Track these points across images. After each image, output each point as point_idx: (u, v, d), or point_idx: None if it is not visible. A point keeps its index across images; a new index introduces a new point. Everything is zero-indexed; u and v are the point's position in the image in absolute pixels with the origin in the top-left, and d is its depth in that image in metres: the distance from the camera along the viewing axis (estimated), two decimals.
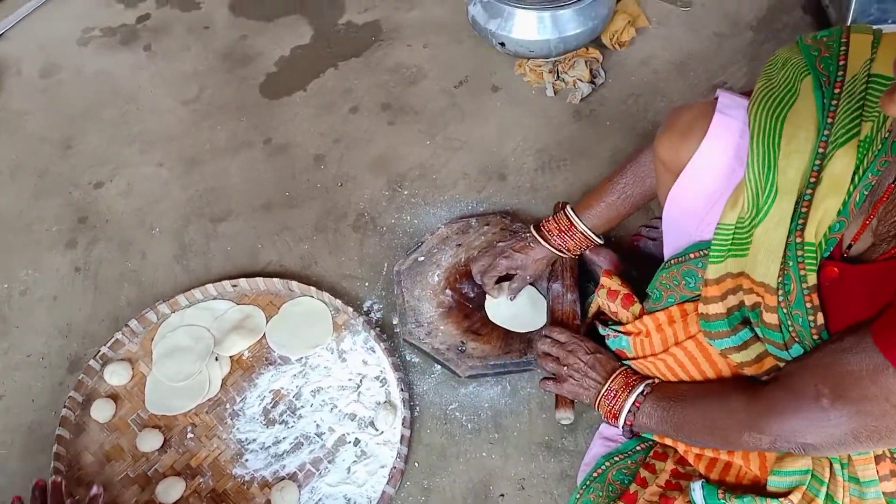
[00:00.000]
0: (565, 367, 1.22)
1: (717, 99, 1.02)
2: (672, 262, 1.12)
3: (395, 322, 1.47)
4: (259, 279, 1.51)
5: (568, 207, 1.32)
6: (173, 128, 1.86)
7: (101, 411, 1.38)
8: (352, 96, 1.88)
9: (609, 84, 1.84)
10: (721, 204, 0.98)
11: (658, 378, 1.14)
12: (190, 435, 1.36)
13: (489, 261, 1.39)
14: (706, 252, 1.02)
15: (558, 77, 1.82)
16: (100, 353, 1.43)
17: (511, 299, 1.41)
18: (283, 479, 1.30)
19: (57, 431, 1.34)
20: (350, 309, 1.46)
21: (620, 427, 1.13)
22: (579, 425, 1.30)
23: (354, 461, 1.31)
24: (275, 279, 1.51)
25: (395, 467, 1.28)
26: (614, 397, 1.14)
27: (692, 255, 1.09)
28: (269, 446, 1.35)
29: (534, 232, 1.36)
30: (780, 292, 0.92)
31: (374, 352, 1.43)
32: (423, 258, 1.50)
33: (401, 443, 1.30)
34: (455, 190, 1.67)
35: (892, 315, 0.79)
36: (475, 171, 1.70)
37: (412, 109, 1.84)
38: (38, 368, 1.48)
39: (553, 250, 1.34)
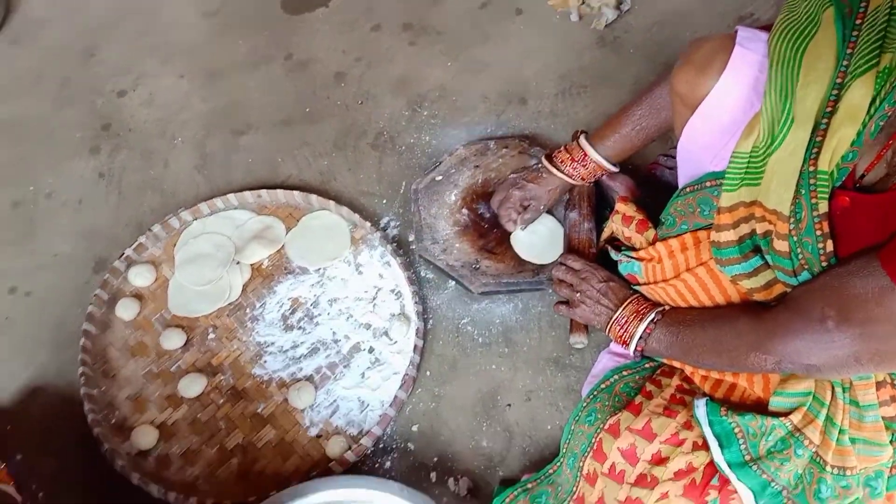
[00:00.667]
0: (578, 294, 1.25)
1: (736, 32, 1.02)
2: (687, 189, 1.14)
3: (411, 239, 1.51)
4: (279, 191, 1.54)
5: (582, 137, 1.34)
6: (194, 40, 1.86)
7: (127, 310, 1.43)
8: (374, 14, 1.87)
9: (635, 11, 1.82)
10: (738, 137, 1.00)
11: (668, 304, 1.18)
12: (211, 336, 1.42)
13: (503, 193, 1.41)
14: (722, 181, 1.04)
15: (584, 2, 1.81)
16: (124, 255, 1.47)
17: (522, 229, 1.44)
18: (300, 380, 1.36)
19: (83, 327, 1.39)
20: (368, 224, 1.50)
21: (632, 352, 1.17)
22: (587, 344, 1.35)
23: (368, 367, 1.37)
24: (294, 192, 1.54)
25: (407, 374, 1.33)
26: (625, 324, 1.18)
27: (708, 184, 1.11)
28: (287, 350, 1.40)
29: (545, 162, 1.38)
30: (792, 220, 0.94)
31: (389, 266, 1.47)
32: (440, 178, 1.52)
33: (414, 352, 1.35)
34: (475, 112, 1.68)
35: None
36: (495, 95, 1.70)
37: (434, 30, 1.83)
38: (65, 268, 1.53)
39: (566, 178, 1.36)
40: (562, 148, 1.37)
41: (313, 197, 1.53)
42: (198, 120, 1.72)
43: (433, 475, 1.27)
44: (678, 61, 1.11)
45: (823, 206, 0.91)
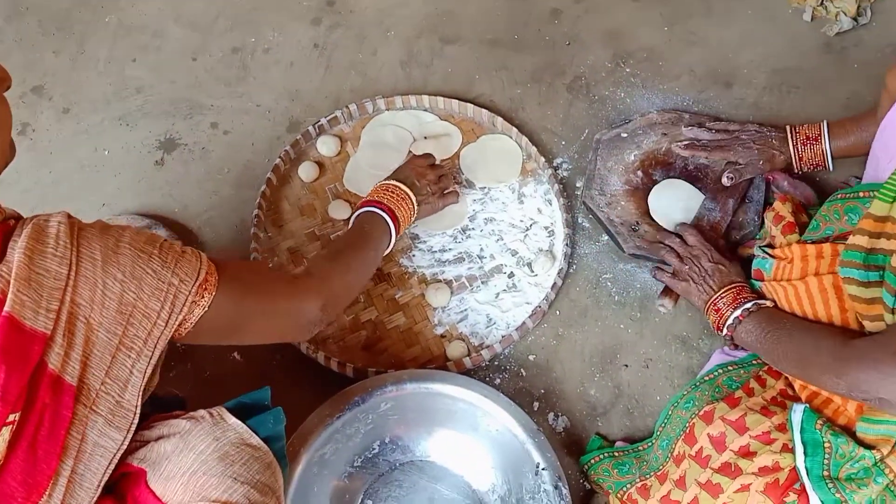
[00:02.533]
0: (687, 267, 1.28)
1: None
2: (840, 196, 1.13)
3: (578, 185, 1.54)
4: (470, 105, 1.61)
5: (824, 122, 1.34)
6: None
7: (307, 172, 1.56)
8: None
9: (872, 27, 1.73)
10: None
11: (774, 301, 1.18)
12: None
13: (723, 140, 1.44)
14: (876, 193, 1.02)
15: (822, 3, 1.73)
16: (318, 123, 1.59)
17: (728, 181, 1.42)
18: (440, 281, 1.45)
19: (267, 175, 1.53)
20: (542, 159, 1.54)
21: (722, 335, 1.20)
22: (671, 311, 1.37)
23: (505, 290, 1.44)
24: (483, 110, 1.60)
25: (539, 307, 1.39)
26: (724, 307, 1.20)
27: (861, 194, 1.09)
28: (436, 251, 1.49)
29: (789, 130, 1.38)
30: None
31: (550, 204, 1.52)
32: (626, 135, 1.54)
33: (551, 288, 1.41)
34: (677, 82, 1.67)
35: None
36: (702, 71, 1.68)
37: None
38: (263, 119, 1.67)
39: (790, 152, 1.37)
40: (804, 125, 1.37)
41: (499, 119, 1.59)
42: (414, 19, 1.80)
43: (536, 405, 1.33)
44: None
45: None
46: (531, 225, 1.50)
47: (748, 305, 1.17)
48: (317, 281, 1.09)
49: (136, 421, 0.85)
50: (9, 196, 0.86)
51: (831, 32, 1.71)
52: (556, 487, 1.16)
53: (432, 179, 1.40)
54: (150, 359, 0.84)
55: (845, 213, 1.11)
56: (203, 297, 0.88)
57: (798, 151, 1.36)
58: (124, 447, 0.85)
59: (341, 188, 1.56)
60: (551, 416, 1.32)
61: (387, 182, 1.35)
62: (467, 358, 1.35)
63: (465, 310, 1.43)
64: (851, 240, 1.03)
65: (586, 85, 1.68)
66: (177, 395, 1.16)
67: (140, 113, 1.68)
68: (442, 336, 1.41)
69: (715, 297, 1.22)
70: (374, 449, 1.27)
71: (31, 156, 1.64)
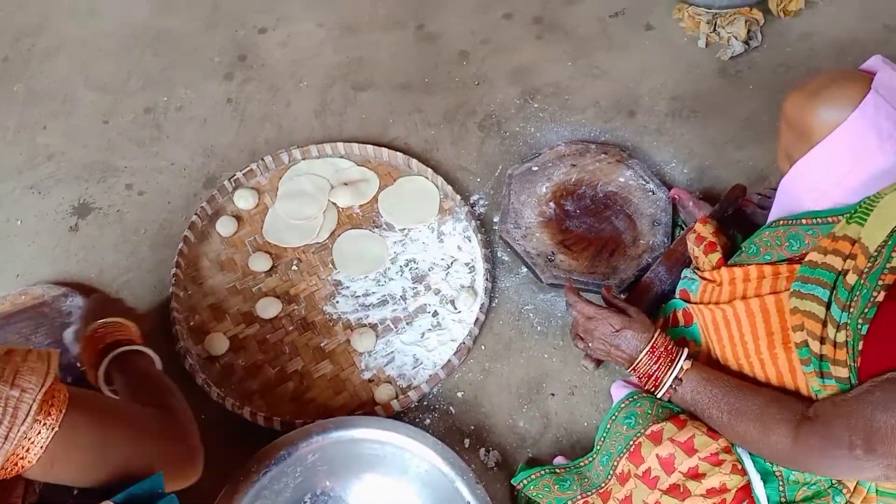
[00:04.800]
0: (591, 342, 1.24)
1: (871, 75, 1.01)
2: (781, 222, 1.13)
3: (495, 220, 1.57)
4: (385, 149, 1.63)
5: (689, 360, 1.16)
6: None
7: (225, 227, 1.55)
8: (509, 3, 1.94)
9: (763, 49, 1.82)
10: (846, 184, 1.00)
11: (703, 331, 1.19)
12: (294, 268, 1.52)
13: (605, 333, 1.23)
14: (820, 221, 1.05)
15: (714, 29, 1.82)
16: (234, 177, 1.59)
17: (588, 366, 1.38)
18: (364, 326, 1.45)
19: (184, 233, 1.52)
20: (458, 197, 1.57)
21: (659, 397, 1.17)
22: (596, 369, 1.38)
23: (430, 329, 1.45)
24: (398, 153, 1.63)
25: (464, 343, 1.40)
26: (653, 370, 1.16)
27: (805, 221, 1.09)
28: (360, 296, 1.49)
29: (658, 337, 1.19)
30: (869, 261, 0.93)
31: (469, 241, 1.54)
32: (536, 168, 1.58)
33: (474, 324, 1.42)
34: (583, 115, 1.72)
35: None
36: (607, 102, 1.75)
37: (563, 29, 1.88)
38: (179, 177, 1.67)
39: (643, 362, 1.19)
40: (668, 346, 1.18)
41: (414, 161, 1.62)
42: (325, 68, 1.83)
43: (467, 441, 1.34)
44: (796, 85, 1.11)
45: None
46: (452, 262, 1.52)
47: (676, 372, 1.13)
48: (181, 427, 1.00)
49: None
50: None
51: (725, 57, 1.79)
52: None
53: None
54: None
55: (787, 240, 1.11)
56: (50, 415, 0.78)
57: (654, 371, 1.21)
58: None
59: (261, 240, 1.56)
60: (482, 451, 1.33)
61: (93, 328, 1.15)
62: (395, 401, 1.35)
63: (392, 352, 1.43)
64: (811, 255, 1.02)
65: (497, 122, 1.73)
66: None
67: (52, 180, 1.66)
68: (370, 380, 1.41)
69: (636, 363, 1.17)
70: (305, 502, 1.26)
71: None
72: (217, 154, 1.70)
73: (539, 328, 1.45)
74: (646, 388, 1.18)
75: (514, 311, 1.47)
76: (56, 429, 0.77)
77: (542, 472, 1.25)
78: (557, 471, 1.26)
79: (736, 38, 1.79)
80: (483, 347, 1.44)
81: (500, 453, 1.33)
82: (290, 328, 1.46)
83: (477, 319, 1.43)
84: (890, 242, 0.91)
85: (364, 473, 1.26)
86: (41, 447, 0.77)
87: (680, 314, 1.28)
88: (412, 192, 1.61)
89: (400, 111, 1.75)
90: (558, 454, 1.32)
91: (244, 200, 1.59)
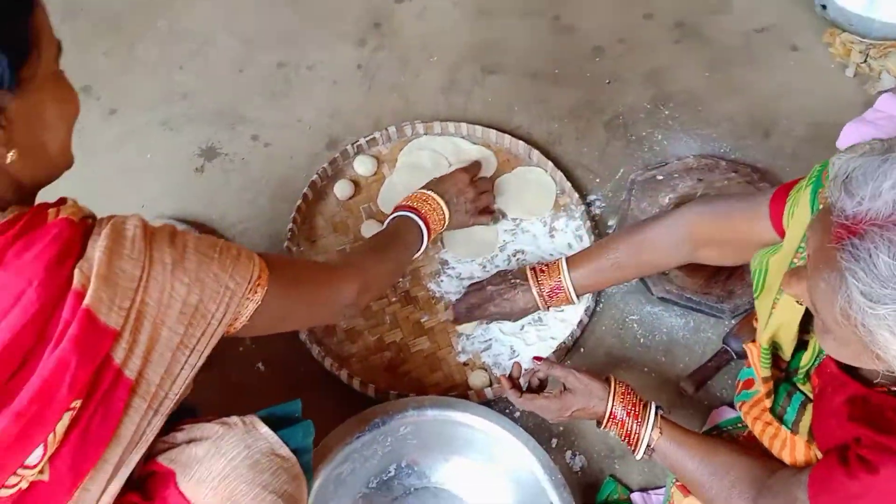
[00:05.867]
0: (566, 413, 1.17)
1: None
2: None
3: (610, 223, 1.55)
4: (507, 136, 1.62)
5: (563, 258, 1.32)
6: None
7: (342, 190, 1.58)
8: (651, 3, 1.89)
9: None
10: None
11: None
12: None
13: (477, 301, 1.39)
14: None
15: (865, 60, 1.74)
16: (357, 143, 1.61)
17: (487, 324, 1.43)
18: None
19: (304, 190, 1.55)
20: (576, 195, 1.55)
21: (640, 457, 1.13)
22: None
23: (530, 323, 1.44)
24: (520, 142, 1.62)
25: (564, 343, 1.39)
26: (628, 424, 1.12)
27: None
28: (464, 278, 1.49)
29: (530, 275, 1.34)
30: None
31: (581, 240, 1.52)
32: (661, 177, 1.55)
33: (577, 326, 1.41)
34: (715, 129, 1.67)
35: (826, 466, 0.85)
36: (742, 118, 1.69)
37: (704, 37, 1.83)
38: (303, 134, 1.70)
39: (537, 298, 1.34)
40: (545, 264, 1.35)
41: (535, 152, 1.60)
42: (457, 47, 1.82)
43: (554, 441, 1.33)
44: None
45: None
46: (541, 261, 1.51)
47: (646, 440, 1.09)
48: (354, 269, 1.15)
49: (167, 413, 0.88)
50: (50, 192, 0.89)
51: (873, 90, 1.71)
52: None
53: (470, 197, 1.44)
54: (202, 355, 0.88)
55: None
56: (256, 293, 0.91)
57: (545, 293, 1.33)
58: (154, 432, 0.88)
59: (375, 208, 1.57)
60: (568, 454, 1.32)
61: (425, 192, 1.40)
62: (489, 388, 1.35)
63: (490, 339, 1.43)
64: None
65: (624, 124, 1.69)
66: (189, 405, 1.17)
67: (184, 119, 1.72)
68: (465, 364, 1.41)
69: (602, 426, 1.14)
70: (389, 472, 1.28)
71: (76, 154, 1.66)
72: (342, 117, 1.72)
73: (642, 340, 1.43)
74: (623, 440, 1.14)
75: (618, 318, 1.45)
76: (258, 304, 0.91)
77: None
78: None
79: (888, 73, 1.71)
80: (582, 350, 1.43)
81: (586, 459, 1.32)
82: (393, 299, 1.48)
83: (580, 321, 1.42)
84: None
85: (451, 455, 1.28)
86: (247, 317, 0.92)
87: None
88: (529, 183, 1.60)
89: (526, 99, 1.74)
90: (646, 471, 1.30)
91: (363, 167, 1.61)
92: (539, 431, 1.33)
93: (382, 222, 1.53)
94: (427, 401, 1.26)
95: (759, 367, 1.02)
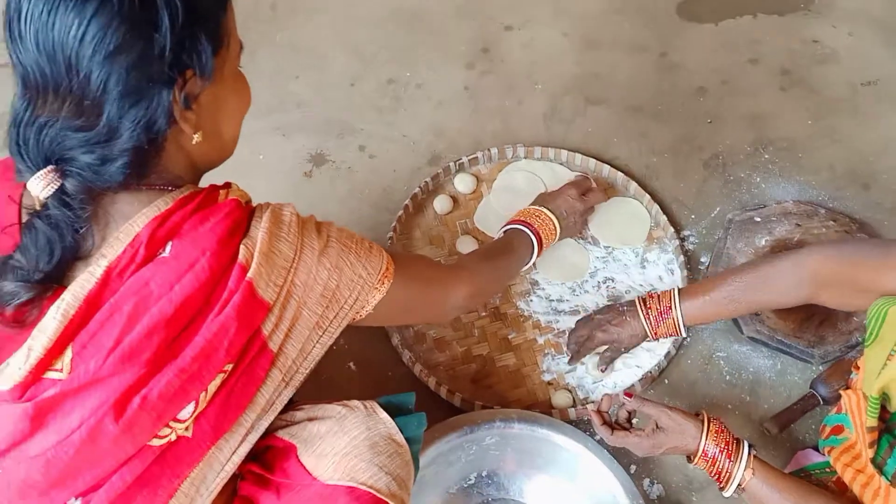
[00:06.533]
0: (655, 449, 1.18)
1: None
2: None
3: (702, 260, 1.57)
4: (606, 166, 1.66)
5: (675, 289, 1.33)
6: (588, 9, 2.00)
7: (441, 205, 1.64)
8: (757, 49, 1.91)
9: None
10: None
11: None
12: None
13: (586, 332, 1.42)
14: None
15: None
16: (459, 160, 1.67)
17: (602, 371, 1.43)
18: (553, 330, 1.49)
19: (405, 202, 1.62)
20: (671, 229, 1.58)
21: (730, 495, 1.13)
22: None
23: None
24: (619, 173, 1.65)
25: (649, 372, 1.41)
26: (714, 460, 1.13)
27: None
28: (553, 300, 1.53)
29: (638, 304, 1.37)
30: None
31: (672, 274, 1.54)
32: (759, 219, 1.56)
33: (664, 356, 1.43)
34: (815, 177, 1.68)
35: None
36: (842, 169, 1.69)
37: (809, 86, 1.84)
38: (407, 149, 1.77)
39: (646, 328, 1.36)
40: (656, 294, 1.36)
41: (633, 184, 1.64)
42: (562, 77, 1.87)
43: (633, 468, 1.35)
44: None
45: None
46: (651, 290, 1.53)
47: (738, 480, 1.10)
48: (468, 273, 1.22)
49: (296, 387, 0.95)
50: None
51: None
52: None
53: (580, 210, 1.49)
54: (332, 336, 0.96)
55: None
56: (383, 284, 0.99)
57: (654, 323, 1.35)
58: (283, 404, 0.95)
59: (471, 225, 1.63)
60: (647, 481, 1.33)
61: (536, 207, 1.47)
62: (572, 409, 1.38)
63: (572, 368, 1.46)
64: None
65: (723, 164, 1.71)
66: None
67: (297, 126, 1.81)
68: (549, 383, 1.44)
69: (694, 462, 1.15)
70: (470, 479, 1.31)
71: None
72: (445, 136, 1.78)
73: (728, 377, 1.43)
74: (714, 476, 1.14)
75: (705, 353, 1.46)
76: (385, 294, 0.99)
77: None
78: None
79: None
80: (666, 382, 1.44)
81: (664, 488, 1.33)
82: (483, 314, 1.52)
83: (668, 353, 1.43)
84: None
85: (533, 470, 1.31)
86: (372, 307, 0.99)
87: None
88: (624, 214, 1.63)
89: (626, 132, 1.77)
90: None
91: (463, 184, 1.66)
92: (619, 456, 1.34)
93: (477, 238, 1.60)
94: (514, 414, 1.30)
95: (862, 415, 1.02)
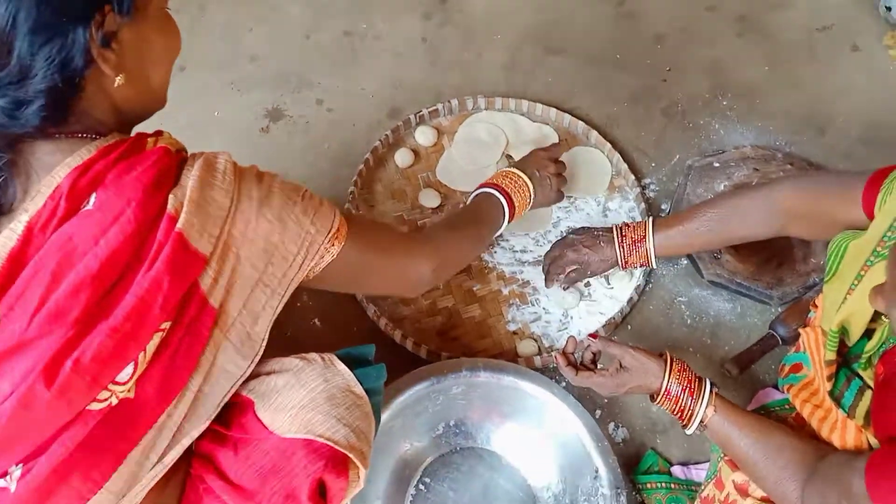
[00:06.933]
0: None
1: None
2: None
3: (663, 206, 1.58)
4: (567, 116, 1.66)
5: (650, 219, 1.33)
6: None
7: (403, 158, 1.62)
8: None
9: None
10: None
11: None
12: None
13: (558, 251, 1.41)
14: None
15: None
16: (419, 113, 1.65)
17: (564, 289, 1.44)
18: (517, 281, 1.49)
19: (365, 156, 1.59)
20: (631, 177, 1.58)
21: (692, 432, 1.14)
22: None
23: (581, 298, 1.47)
24: (579, 122, 1.65)
25: (612, 318, 1.43)
26: (680, 397, 1.14)
27: None
28: (517, 251, 1.53)
29: (615, 230, 1.36)
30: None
31: (634, 220, 1.55)
32: (718, 165, 1.57)
33: (626, 302, 1.44)
34: (771, 121, 1.69)
35: (889, 452, 0.85)
36: (798, 114, 1.71)
37: (766, 31, 1.84)
38: (366, 102, 1.74)
39: (618, 255, 1.35)
40: (632, 223, 1.36)
41: (594, 133, 1.63)
42: (522, 27, 1.85)
43: (598, 412, 1.37)
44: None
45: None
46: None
47: (699, 416, 1.11)
48: (433, 245, 1.17)
49: (260, 353, 0.92)
50: None
51: None
52: (616, 495, 1.20)
53: (552, 172, 1.44)
54: (282, 298, 0.92)
55: None
56: (333, 245, 0.95)
57: (626, 252, 1.35)
58: (246, 375, 0.92)
59: (433, 178, 1.61)
60: (612, 425, 1.36)
61: (509, 169, 1.40)
62: (538, 357, 1.39)
63: (540, 311, 1.47)
64: None
65: (682, 112, 1.72)
66: None
67: (251, 81, 1.76)
68: (514, 333, 1.45)
69: (656, 402, 1.15)
70: (438, 430, 1.32)
71: None
72: (405, 88, 1.75)
73: (689, 321, 1.46)
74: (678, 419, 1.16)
75: (666, 299, 1.48)
76: (335, 256, 0.96)
77: (658, 485, 1.28)
78: (673, 486, 1.28)
79: None
80: (629, 327, 1.46)
81: (629, 431, 1.36)
82: None
83: (630, 299, 1.45)
84: None
85: (501, 418, 1.32)
86: (321, 268, 0.96)
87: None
88: (586, 163, 1.63)
89: (586, 82, 1.76)
90: (686, 447, 1.34)
91: (424, 137, 1.64)
92: (584, 402, 1.36)
93: (439, 191, 1.58)
94: (481, 363, 1.30)
95: (820, 351, 1.04)
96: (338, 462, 0.93)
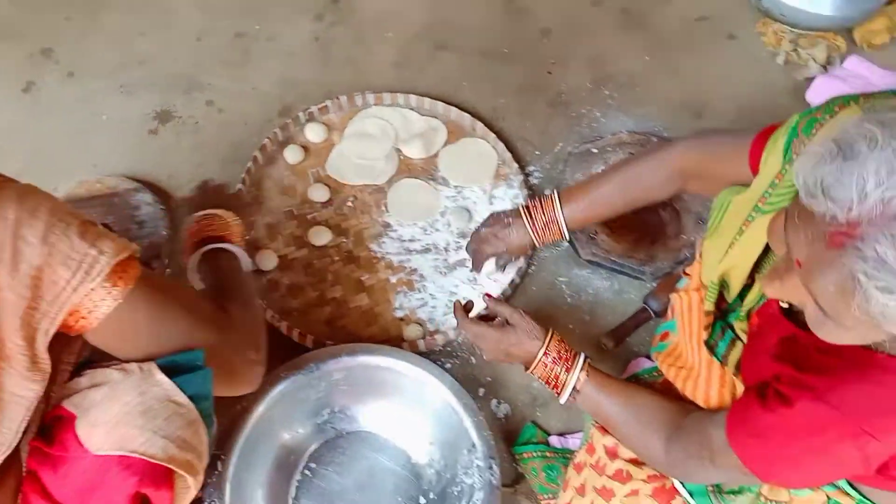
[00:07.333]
0: (485, 354, 1.24)
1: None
2: None
3: (546, 192, 1.62)
4: (454, 108, 1.70)
5: (555, 194, 1.30)
6: None
7: (293, 155, 1.64)
8: None
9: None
10: None
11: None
12: (349, 204, 1.60)
13: (475, 246, 1.40)
14: None
15: (795, 49, 1.83)
16: (308, 110, 1.67)
17: (503, 272, 1.48)
18: (405, 269, 1.53)
19: (254, 154, 1.61)
20: (515, 165, 1.63)
21: (565, 401, 1.17)
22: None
23: (464, 283, 1.51)
24: (466, 114, 1.69)
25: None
26: (555, 369, 1.17)
27: None
28: (405, 240, 1.57)
29: (523, 213, 1.32)
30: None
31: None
32: (595, 150, 1.63)
33: (509, 285, 1.49)
34: (649, 108, 1.76)
35: (745, 402, 0.90)
36: (676, 100, 1.78)
37: (648, 24, 1.92)
38: (257, 102, 1.76)
39: (532, 236, 1.32)
40: (538, 201, 1.31)
41: (479, 125, 1.68)
42: (412, 24, 1.89)
43: (481, 391, 1.41)
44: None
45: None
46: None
47: (573, 382, 1.14)
48: (260, 362, 1.12)
49: (48, 372, 0.86)
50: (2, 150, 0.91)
51: (800, 77, 1.81)
52: (488, 466, 1.23)
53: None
54: (54, 321, 0.83)
55: None
56: (117, 286, 0.85)
57: (540, 229, 1.32)
58: (40, 395, 0.87)
59: (323, 173, 1.64)
60: (494, 402, 1.40)
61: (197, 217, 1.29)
62: (422, 340, 1.42)
63: (426, 297, 1.50)
64: None
65: (566, 102, 1.78)
66: None
67: (141, 84, 1.77)
68: (401, 319, 1.48)
69: (532, 368, 1.17)
70: (322, 416, 1.34)
71: (32, 113, 1.72)
72: (297, 87, 1.78)
73: (569, 300, 1.51)
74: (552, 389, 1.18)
75: (548, 280, 1.53)
76: (120, 300, 0.86)
77: (534, 454, 1.32)
78: (548, 454, 1.33)
79: (814, 61, 1.81)
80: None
81: (511, 407, 1.40)
82: (336, 258, 1.54)
83: (512, 281, 1.49)
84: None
85: (382, 400, 1.34)
86: (103, 313, 0.85)
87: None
88: (472, 154, 1.67)
89: (475, 76, 1.81)
90: (565, 418, 1.38)
91: (314, 133, 1.67)
92: (467, 382, 1.40)
93: (329, 186, 1.61)
94: (359, 347, 1.33)
95: (692, 310, 1.08)
96: (157, 475, 0.90)
